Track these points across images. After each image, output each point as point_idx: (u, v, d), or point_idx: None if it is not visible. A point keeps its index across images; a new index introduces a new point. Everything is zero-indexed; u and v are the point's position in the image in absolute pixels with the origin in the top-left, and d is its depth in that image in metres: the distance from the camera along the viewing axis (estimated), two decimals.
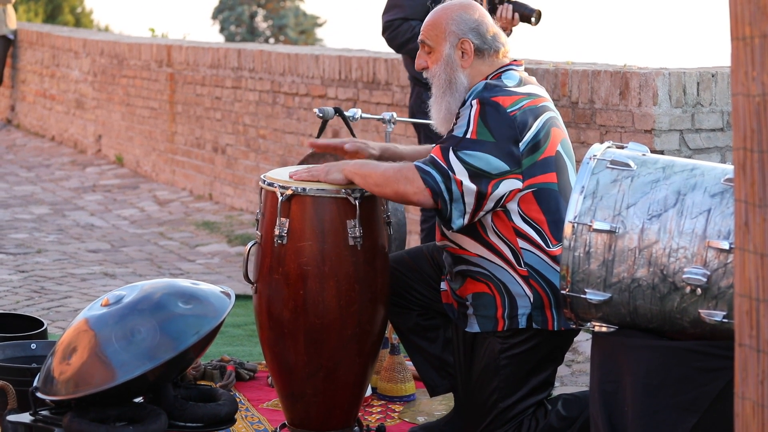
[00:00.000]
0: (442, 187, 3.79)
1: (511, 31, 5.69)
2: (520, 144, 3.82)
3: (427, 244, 4.29)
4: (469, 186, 3.79)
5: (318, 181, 3.97)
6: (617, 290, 3.40)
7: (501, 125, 3.81)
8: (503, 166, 3.80)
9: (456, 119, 3.91)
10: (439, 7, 4.06)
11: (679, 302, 3.33)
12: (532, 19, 5.65)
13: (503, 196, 3.84)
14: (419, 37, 4.06)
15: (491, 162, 3.79)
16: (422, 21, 5.28)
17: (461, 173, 3.79)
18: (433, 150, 3.88)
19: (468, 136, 3.81)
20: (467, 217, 3.84)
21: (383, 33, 5.88)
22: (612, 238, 3.39)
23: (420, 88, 5.72)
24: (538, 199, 3.87)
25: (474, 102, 3.86)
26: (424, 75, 4.09)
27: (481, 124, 3.81)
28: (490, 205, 3.84)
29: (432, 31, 4.01)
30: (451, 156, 3.80)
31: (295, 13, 35.65)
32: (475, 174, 3.79)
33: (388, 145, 4.28)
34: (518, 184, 3.83)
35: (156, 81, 10.52)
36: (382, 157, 4.23)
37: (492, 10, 5.62)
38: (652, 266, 3.35)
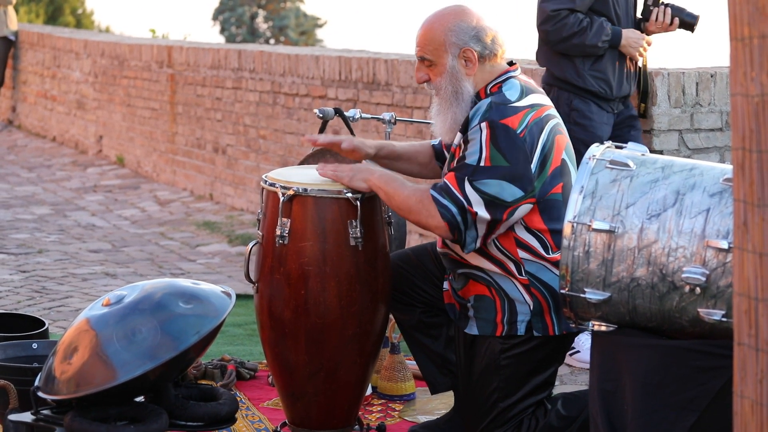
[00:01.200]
0: (459, 219, 3.78)
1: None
2: (531, 165, 3.81)
3: (432, 243, 4.29)
4: (484, 216, 3.78)
5: (341, 182, 3.96)
6: (616, 289, 3.41)
7: (513, 148, 3.78)
8: (518, 193, 3.79)
9: (465, 144, 3.87)
10: (431, 17, 3.98)
11: (678, 301, 3.34)
12: (695, 27, 5.35)
13: (516, 221, 3.84)
14: (416, 53, 3.99)
15: (506, 189, 3.77)
16: (586, 15, 5.19)
17: (477, 203, 3.77)
18: (447, 176, 3.85)
19: (482, 163, 3.78)
20: (479, 241, 3.84)
21: (544, 23, 5.27)
22: (611, 238, 3.40)
23: (568, 93, 5.28)
24: (542, 211, 3.86)
25: (483, 125, 3.81)
26: (426, 87, 4.06)
27: (494, 149, 3.78)
28: (502, 230, 3.85)
29: (430, 46, 3.93)
30: (467, 186, 3.78)
31: (296, 14, 35.66)
32: (491, 203, 3.78)
33: (384, 143, 4.26)
34: (530, 208, 3.83)
35: (157, 82, 10.53)
36: (378, 155, 4.22)
37: (646, 13, 5.35)
38: (651, 265, 3.35)
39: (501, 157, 3.77)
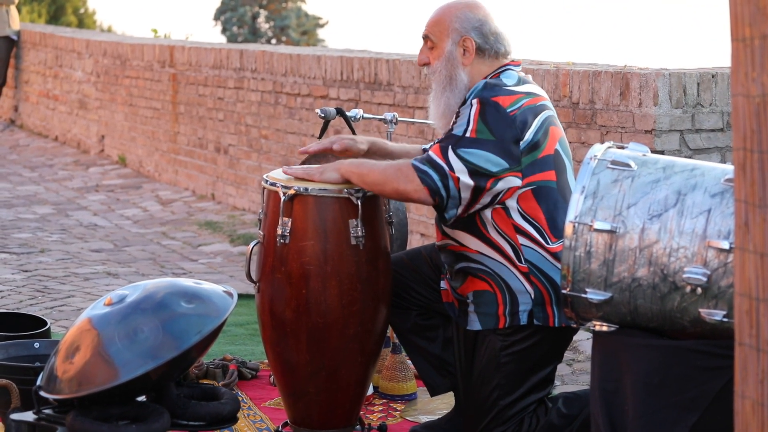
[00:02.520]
0: (440, 184, 3.81)
1: None
2: (521, 143, 3.84)
3: (426, 246, 4.31)
4: (467, 182, 3.81)
5: (312, 181, 3.99)
6: (618, 290, 3.41)
7: (501, 124, 3.83)
8: (503, 164, 3.82)
9: (455, 118, 3.92)
10: (444, 4, 4.08)
11: (680, 301, 3.34)
12: None
13: (501, 192, 3.85)
14: (423, 32, 4.08)
15: (491, 159, 3.81)
16: None
17: (460, 171, 3.81)
18: (431, 148, 3.89)
19: (468, 134, 3.83)
20: (461, 209, 3.86)
21: None
22: (613, 238, 3.40)
23: None
24: (537, 197, 3.88)
25: (474, 101, 3.87)
26: (425, 71, 4.12)
27: (481, 123, 3.83)
28: (486, 199, 3.86)
29: (435, 27, 4.03)
30: (451, 154, 3.82)
31: (297, 13, 35.65)
32: (475, 172, 3.81)
33: (375, 139, 4.29)
34: (517, 182, 3.85)
35: (159, 81, 10.53)
36: (370, 151, 4.24)
37: None
38: (652, 266, 3.36)
39: (488, 131, 3.82)
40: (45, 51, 13.33)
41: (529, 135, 3.85)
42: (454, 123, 3.91)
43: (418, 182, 3.82)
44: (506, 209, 3.89)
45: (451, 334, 4.19)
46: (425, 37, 4.06)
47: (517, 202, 3.88)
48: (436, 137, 4.27)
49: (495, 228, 3.91)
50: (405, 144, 4.41)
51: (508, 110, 3.85)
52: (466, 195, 3.83)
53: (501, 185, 3.84)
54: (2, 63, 13.72)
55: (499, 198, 3.87)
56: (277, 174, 4.11)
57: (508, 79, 3.96)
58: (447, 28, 4.00)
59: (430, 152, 3.87)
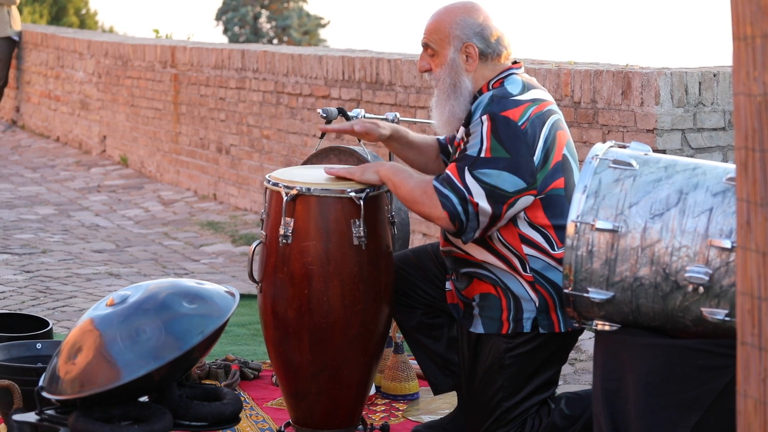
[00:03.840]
0: (459, 209, 3.79)
1: None
2: (534, 158, 3.81)
3: (432, 243, 4.30)
4: (485, 207, 3.79)
5: (353, 180, 3.99)
6: (620, 289, 3.41)
7: (514, 140, 3.79)
8: (520, 183, 3.80)
9: (467, 137, 3.89)
10: (442, 9, 4.03)
11: (682, 301, 3.34)
12: None
13: (517, 212, 3.84)
14: (422, 40, 4.05)
15: (507, 180, 3.78)
16: None
17: (478, 194, 3.78)
18: (449, 167, 3.86)
19: (482, 154, 3.80)
20: (479, 232, 3.85)
21: None
22: (614, 237, 3.40)
23: None
24: (545, 206, 3.87)
25: (484, 118, 3.83)
26: (427, 77, 4.09)
27: (495, 141, 3.80)
28: (504, 222, 3.85)
29: (435, 35, 3.98)
30: (468, 176, 3.79)
31: (299, 13, 35.65)
32: (492, 194, 3.78)
33: (399, 128, 4.27)
34: (531, 200, 3.84)
35: (160, 82, 10.54)
36: (392, 138, 4.23)
37: None
38: (654, 265, 3.36)
39: (502, 149, 3.79)
40: (46, 51, 13.33)
41: (539, 149, 3.82)
42: (467, 143, 3.87)
43: (440, 209, 3.81)
44: (513, 220, 3.87)
45: (455, 333, 4.19)
46: (425, 45, 4.02)
47: (525, 213, 3.86)
48: (436, 135, 4.26)
49: (501, 240, 3.90)
50: (425, 135, 4.39)
51: (519, 123, 3.81)
52: (484, 219, 3.81)
53: (518, 206, 3.82)
54: (4, 64, 13.72)
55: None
56: (280, 174, 4.11)
57: (513, 87, 3.91)
58: (448, 35, 3.96)
59: (449, 173, 3.84)
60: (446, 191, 3.81)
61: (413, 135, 4.30)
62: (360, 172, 4.00)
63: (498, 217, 3.81)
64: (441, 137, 4.31)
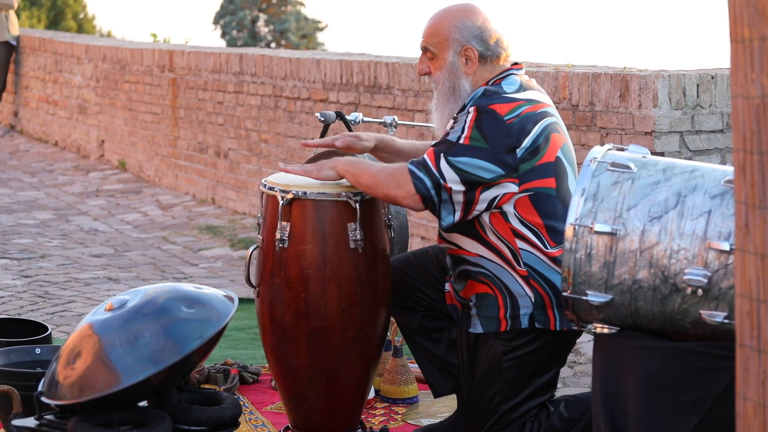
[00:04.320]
0: (432, 192, 3.81)
1: None
2: (518, 150, 3.81)
3: (433, 246, 4.30)
4: (459, 189, 3.80)
5: (310, 177, 3.99)
6: (619, 292, 3.41)
7: (496, 133, 3.80)
8: (497, 170, 3.80)
9: (453, 123, 3.91)
10: (440, 11, 4.03)
11: (680, 303, 3.34)
12: None
13: (496, 197, 3.84)
14: (421, 43, 4.06)
15: (483, 166, 3.79)
16: None
17: (452, 179, 3.80)
18: (427, 151, 3.88)
19: (461, 141, 3.81)
20: (457, 215, 3.85)
21: None
22: (613, 240, 3.40)
23: None
24: (534, 203, 3.87)
25: (471, 109, 3.85)
26: (427, 80, 4.09)
27: (476, 131, 3.81)
28: (481, 206, 3.85)
29: (434, 38, 3.98)
30: (443, 162, 3.81)
31: (297, 17, 35.68)
32: (466, 180, 3.80)
33: (384, 136, 4.27)
34: (514, 188, 3.84)
35: (158, 86, 10.54)
36: (377, 148, 4.23)
37: None
38: (653, 268, 3.36)
39: (482, 139, 3.80)
40: (44, 56, 13.34)
41: (527, 142, 3.83)
42: (451, 128, 3.89)
43: (410, 188, 3.82)
44: (504, 214, 3.88)
45: (455, 336, 4.19)
46: (424, 49, 4.02)
47: (515, 208, 3.87)
48: (436, 140, 4.26)
49: (493, 232, 3.90)
50: (414, 141, 4.39)
51: (506, 118, 3.82)
52: (458, 199, 3.82)
53: (495, 191, 3.83)
54: (2, 68, 13.72)
55: (496, 202, 3.86)
56: (276, 178, 4.11)
57: (509, 86, 3.92)
58: (447, 38, 3.96)
59: (425, 156, 3.86)
60: (421, 174, 3.82)
61: (400, 142, 4.29)
62: (317, 170, 4.00)
63: (472, 200, 3.82)
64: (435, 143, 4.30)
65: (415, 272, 4.23)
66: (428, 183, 3.81)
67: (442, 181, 3.80)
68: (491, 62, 3.98)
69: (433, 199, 3.81)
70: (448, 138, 3.85)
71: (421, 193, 3.81)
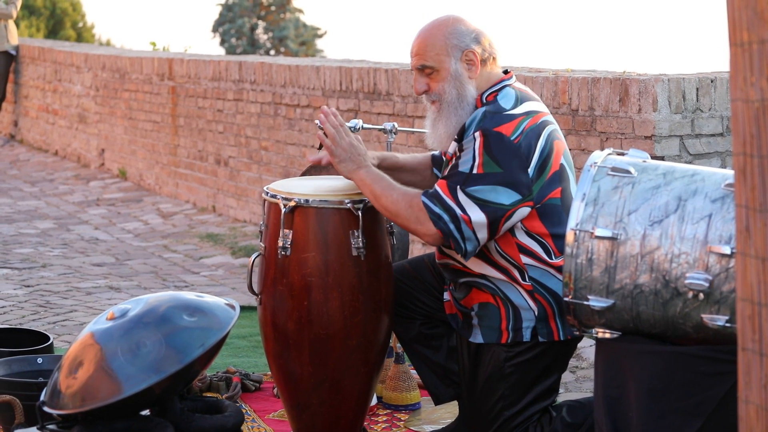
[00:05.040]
0: (452, 227, 3.76)
1: None
2: (529, 170, 3.79)
3: (429, 254, 4.29)
4: (481, 221, 3.75)
5: (330, 161, 4.00)
6: (620, 296, 3.41)
7: (507, 155, 3.76)
8: (515, 196, 3.77)
9: (459, 152, 3.85)
10: (425, 27, 3.96)
11: (682, 307, 3.34)
12: None
13: (514, 224, 3.83)
14: (414, 63, 3.97)
15: (501, 193, 3.75)
16: None
17: (472, 209, 3.75)
18: (438, 183, 3.82)
19: (475, 171, 3.76)
20: (479, 247, 3.83)
21: None
22: (614, 245, 3.40)
23: None
24: (541, 216, 3.85)
25: (477, 134, 3.79)
26: (424, 99, 4.04)
27: (487, 156, 3.76)
28: (502, 232, 3.83)
29: (431, 52, 3.92)
30: (461, 194, 3.76)
31: (296, 24, 35.70)
32: (489, 209, 3.75)
33: (386, 154, 4.24)
34: (528, 211, 3.82)
35: (158, 94, 10.54)
36: (380, 166, 4.20)
37: None
38: (654, 272, 3.36)
39: (494, 164, 3.76)
40: (44, 65, 13.34)
41: (534, 160, 3.79)
42: (458, 158, 3.82)
43: (430, 225, 3.77)
44: (510, 230, 3.86)
45: (455, 343, 4.18)
46: (421, 67, 3.94)
47: (522, 222, 3.85)
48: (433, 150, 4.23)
49: (499, 252, 3.88)
50: (415, 155, 4.36)
51: (512, 138, 3.78)
52: (483, 235, 3.78)
53: (514, 219, 3.80)
54: (1, 78, 13.74)
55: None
56: (278, 185, 4.11)
57: (506, 101, 3.87)
58: (444, 48, 3.91)
59: (439, 190, 3.80)
60: (437, 209, 3.78)
61: (402, 157, 4.27)
62: (339, 159, 3.97)
63: (497, 228, 3.79)
64: (437, 153, 4.27)
65: (411, 281, 4.22)
66: (446, 218, 3.77)
67: (459, 212, 3.75)
68: (488, 64, 3.96)
69: (453, 234, 3.77)
70: (460, 170, 3.79)
71: (441, 230, 3.77)
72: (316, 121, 4.79)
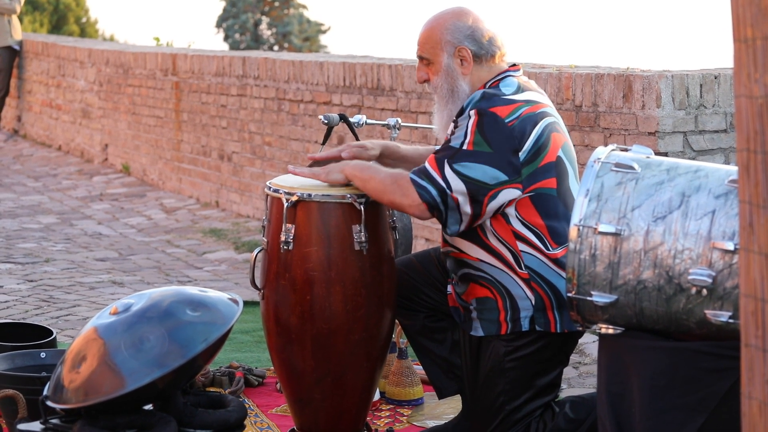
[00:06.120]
0: (438, 200, 3.80)
1: None
2: (520, 153, 3.82)
3: (435, 248, 4.30)
4: (465, 198, 3.80)
5: (318, 180, 4.01)
6: (623, 292, 3.41)
7: (499, 136, 3.81)
8: (501, 176, 3.80)
9: (454, 128, 3.91)
10: (431, 18, 4.04)
11: (685, 303, 3.34)
12: None
13: (501, 204, 3.85)
14: (416, 52, 4.06)
15: (488, 172, 3.79)
16: None
17: (457, 186, 3.79)
18: (428, 159, 3.88)
19: (465, 147, 3.81)
20: (464, 224, 3.85)
21: None
22: (617, 241, 3.40)
23: None
24: (535, 204, 3.87)
25: (472, 113, 3.85)
26: (427, 87, 4.11)
27: (479, 135, 3.81)
28: (488, 214, 3.86)
29: (427, 44, 4.00)
30: (447, 169, 3.80)
31: (299, 20, 35.69)
32: (472, 186, 3.79)
33: (389, 143, 4.28)
34: (517, 194, 3.83)
35: (161, 90, 10.55)
36: (382, 155, 4.23)
37: None
38: (657, 268, 3.36)
39: (485, 143, 3.80)
40: (47, 60, 13.35)
41: (528, 145, 3.83)
42: (452, 134, 3.89)
43: (415, 197, 3.82)
44: (505, 216, 3.88)
45: (459, 337, 4.19)
46: (420, 57, 4.03)
47: (516, 210, 3.87)
48: (439, 142, 4.26)
49: (494, 235, 3.90)
50: (418, 146, 4.40)
51: (506, 120, 3.82)
52: (466, 210, 3.82)
53: (500, 199, 3.83)
54: (5, 73, 13.74)
55: (499, 210, 3.86)
56: (281, 180, 4.11)
57: (507, 88, 3.92)
58: (439, 42, 3.97)
59: (427, 164, 3.85)
60: (422, 182, 3.82)
61: (405, 148, 4.30)
62: (325, 173, 4.02)
63: (480, 206, 3.81)
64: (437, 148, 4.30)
65: (417, 274, 4.24)
66: (433, 191, 3.80)
67: (448, 190, 3.79)
68: (487, 61, 3.99)
69: (439, 206, 3.81)
70: (451, 144, 3.85)
71: (427, 202, 3.81)
72: (321, 117, 4.80)
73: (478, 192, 3.80)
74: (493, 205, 3.83)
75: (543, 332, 3.92)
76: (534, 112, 3.88)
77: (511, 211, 3.87)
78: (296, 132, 8.56)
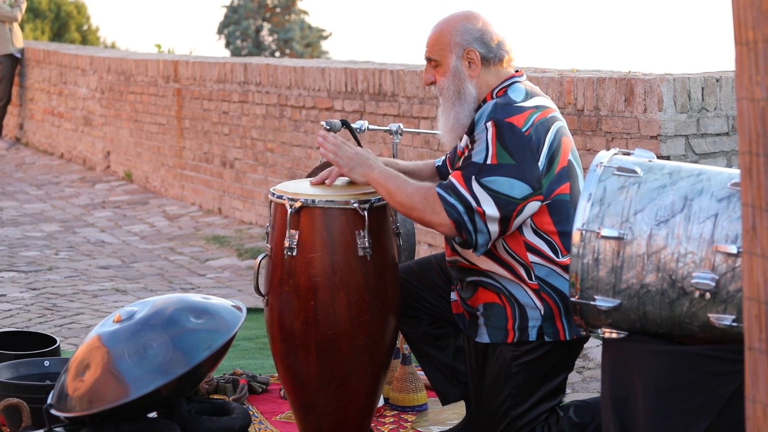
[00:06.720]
0: (465, 218, 3.78)
1: None
2: (539, 163, 3.81)
3: (436, 255, 4.30)
4: (493, 214, 3.77)
5: (340, 173, 4.02)
6: (626, 296, 3.41)
7: (519, 146, 3.79)
8: (527, 189, 3.79)
9: (471, 144, 3.89)
10: (441, 20, 4.04)
11: (689, 307, 3.34)
12: None
13: (525, 219, 3.84)
14: (425, 54, 4.06)
15: (515, 185, 3.77)
16: None
17: (486, 202, 3.77)
18: (453, 174, 3.85)
19: (489, 161, 3.79)
20: (491, 243, 3.84)
21: None
22: (620, 245, 3.40)
23: None
24: (551, 211, 3.86)
25: (489, 125, 3.82)
26: (433, 89, 4.10)
27: (500, 147, 3.79)
28: (513, 229, 3.85)
29: (436, 46, 4.00)
30: (474, 185, 3.78)
31: (301, 26, 35.71)
32: (500, 201, 3.77)
33: (388, 160, 4.26)
34: (538, 205, 3.83)
35: (163, 97, 10.55)
36: None
37: None
38: (660, 272, 3.35)
39: (507, 155, 3.79)
40: (49, 68, 13.36)
41: (543, 153, 3.81)
42: (472, 150, 3.86)
43: (444, 216, 3.79)
44: (519, 227, 3.87)
45: (461, 343, 4.19)
46: (428, 59, 4.02)
47: (531, 218, 3.86)
48: (441, 147, 4.26)
49: (506, 249, 3.89)
50: (417, 161, 4.39)
51: (524, 129, 3.81)
52: (494, 229, 3.80)
53: (525, 212, 3.81)
54: (7, 81, 13.75)
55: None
56: (284, 186, 4.11)
57: (516, 95, 3.91)
58: (448, 43, 3.97)
59: (453, 180, 3.82)
60: (451, 199, 3.80)
61: (404, 164, 4.29)
62: (348, 167, 4.00)
63: (508, 222, 3.80)
64: (439, 162, 4.31)
65: (418, 281, 4.23)
66: (460, 208, 3.78)
67: (474, 203, 3.77)
68: (494, 65, 3.99)
69: (466, 225, 3.78)
70: (473, 161, 3.82)
71: (455, 220, 3.78)
72: (323, 123, 4.80)
73: (507, 207, 3.77)
74: (518, 220, 3.82)
75: (550, 341, 3.92)
76: (545, 118, 3.88)
77: (526, 220, 3.86)
78: (298, 138, 8.57)
